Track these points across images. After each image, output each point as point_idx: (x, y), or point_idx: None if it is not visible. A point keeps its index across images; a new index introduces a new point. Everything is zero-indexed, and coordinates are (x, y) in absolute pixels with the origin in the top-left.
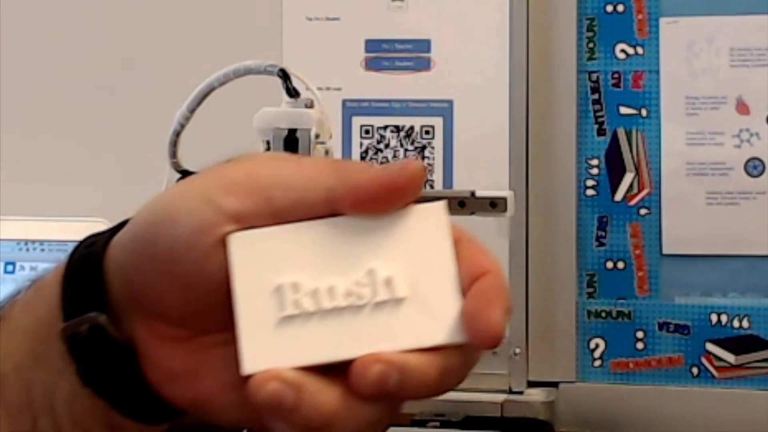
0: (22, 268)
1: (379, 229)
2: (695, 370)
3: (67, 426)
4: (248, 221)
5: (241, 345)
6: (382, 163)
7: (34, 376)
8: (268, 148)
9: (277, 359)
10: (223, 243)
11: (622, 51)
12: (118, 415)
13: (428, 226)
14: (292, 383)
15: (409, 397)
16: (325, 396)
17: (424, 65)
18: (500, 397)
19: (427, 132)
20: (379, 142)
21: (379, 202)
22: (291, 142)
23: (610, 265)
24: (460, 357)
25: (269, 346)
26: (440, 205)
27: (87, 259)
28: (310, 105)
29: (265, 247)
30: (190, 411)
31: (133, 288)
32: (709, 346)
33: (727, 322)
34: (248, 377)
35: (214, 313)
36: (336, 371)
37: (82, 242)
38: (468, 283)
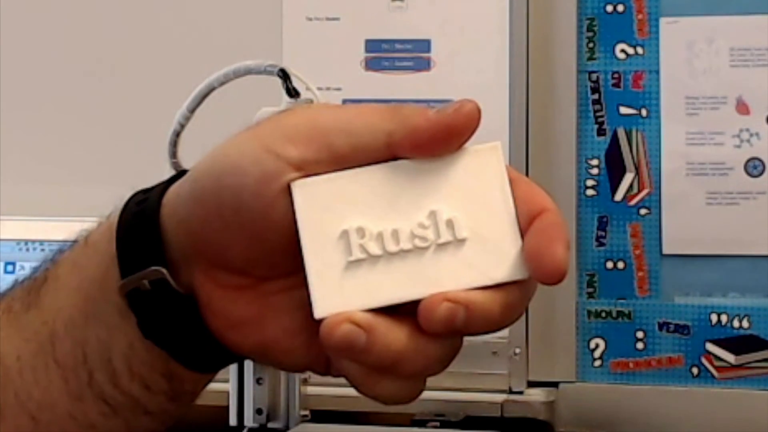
0: (22, 268)
1: (437, 171)
2: (695, 370)
3: (124, 379)
4: (310, 168)
5: (312, 290)
6: None
7: (87, 333)
8: None
9: (347, 302)
10: (287, 191)
11: (622, 51)
12: (178, 365)
13: (485, 166)
14: (364, 324)
15: (474, 333)
16: (395, 335)
17: (424, 65)
18: (500, 397)
19: None
20: None
21: (438, 143)
22: None
23: (610, 265)
24: (520, 292)
25: (339, 290)
26: (496, 146)
27: (141, 215)
28: None
29: (328, 193)
30: (254, 357)
31: (195, 240)
32: (709, 346)
33: (727, 322)
34: (320, 321)
35: (277, 259)
36: (402, 312)
37: (130, 199)
38: (526, 221)
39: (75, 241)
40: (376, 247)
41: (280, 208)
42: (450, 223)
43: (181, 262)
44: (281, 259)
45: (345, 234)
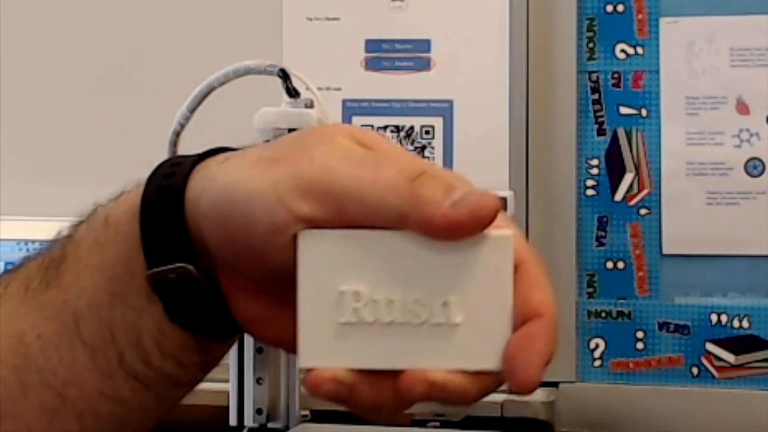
0: None
1: (445, 251)
2: (695, 370)
3: (155, 357)
4: (319, 224)
5: (299, 341)
6: None
7: (113, 314)
8: None
9: (332, 359)
10: (295, 239)
11: (622, 51)
12: (209, 341)
13: (493, 255)
14: (347, 383)
15: (446, 405)
16: (376, 394)
17: (424, 65)
18: (500, 397)
19: (427, 132)
20: None
21: (449, 236)
22: None
23: (610, 265)
24: (496, 378)
25: (326, 347)
26: (508, 237)
27: (165, 205)
28: (310, 105)
29: (333, 249)
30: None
31: (212, 249)
32: (709, 346)
33: (727, 322)
34: (307, 369)
35: (288, 281)
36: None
37: (150, 180)
38: (519, 320)
39: (90, 217)
40: (369, 315)
41: (288, 254)
42: (446, 305)
43: (203, 255)
44: (292, 281)
45: (342, 295)
